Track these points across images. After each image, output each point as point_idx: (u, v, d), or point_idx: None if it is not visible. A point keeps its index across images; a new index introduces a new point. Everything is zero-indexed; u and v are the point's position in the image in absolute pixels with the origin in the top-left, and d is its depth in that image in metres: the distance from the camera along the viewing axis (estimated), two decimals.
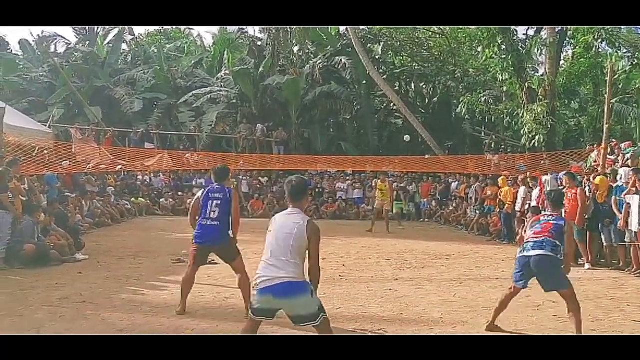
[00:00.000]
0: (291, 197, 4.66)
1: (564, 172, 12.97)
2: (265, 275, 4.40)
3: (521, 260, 5.88)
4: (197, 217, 6.59)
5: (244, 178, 22.31)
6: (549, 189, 12.49)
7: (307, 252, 4.49)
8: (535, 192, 13.42)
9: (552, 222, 5.96)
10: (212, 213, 6.45)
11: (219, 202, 6.48)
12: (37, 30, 41.94)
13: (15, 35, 66.10)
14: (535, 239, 5.83)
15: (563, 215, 9.19)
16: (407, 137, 24.01)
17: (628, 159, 13.30)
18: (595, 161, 14.41)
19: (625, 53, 20.12)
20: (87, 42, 32.04)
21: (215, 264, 10.07)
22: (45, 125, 18.48)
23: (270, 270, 4.39)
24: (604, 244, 11.05)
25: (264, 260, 4.49)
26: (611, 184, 11.30)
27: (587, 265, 10.85)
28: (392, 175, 22.74)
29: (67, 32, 43.44)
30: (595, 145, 15.23)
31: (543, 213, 7.45)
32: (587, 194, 11.45)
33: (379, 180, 17.84)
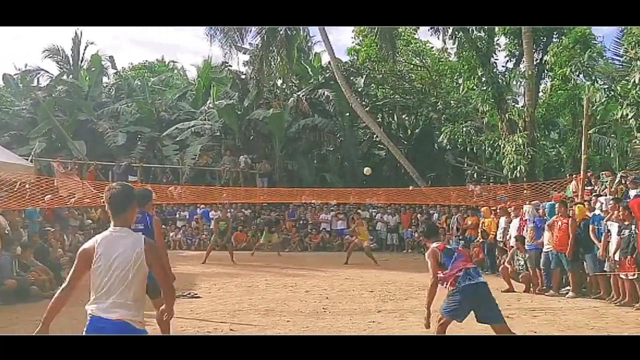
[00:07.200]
0: (113, 210, 3.70)
1: (554, 201, 12.83)
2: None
3: None
4: None
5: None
6: (528, 218, 12.66)
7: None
8: (516, 222, 13.50)
9: None
10: None
11: (140, 232, 6.16)
12: (20, 63, 41.86)
13: None
14: None
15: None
16: (367, 170, 21.60)
17: (605, 188, 13.48)
18: (574, 191, 14.60)
19: (602, 85, 20.45)
20: (70, 75, 32.05)
21: (198, 297, 10.09)
22: (27, 159, 18.36)
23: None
24: (587, 272, 11.10)
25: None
26: (587, 213, 11.45)
27: (571, 294, 10.90)
28: (375, 207, 22.83)
29: (51, 66, 43.51)
30: (574, 176, 15.45)
31: None
32: None
33: (354, 223, 18.07)
